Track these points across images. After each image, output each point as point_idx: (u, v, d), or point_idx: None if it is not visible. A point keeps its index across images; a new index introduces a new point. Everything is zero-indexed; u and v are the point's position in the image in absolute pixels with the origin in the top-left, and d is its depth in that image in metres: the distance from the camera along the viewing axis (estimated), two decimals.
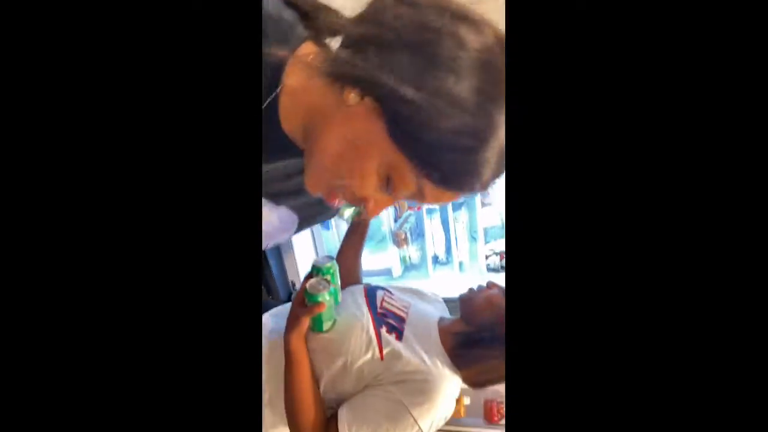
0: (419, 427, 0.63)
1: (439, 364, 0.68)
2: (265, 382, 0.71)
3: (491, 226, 1.86)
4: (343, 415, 0.65)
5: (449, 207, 1.75)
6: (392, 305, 0.77)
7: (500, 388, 1.28)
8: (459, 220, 1.80)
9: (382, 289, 0.82)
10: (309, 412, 0.67)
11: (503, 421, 1.23)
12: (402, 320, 0.74)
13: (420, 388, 0.64)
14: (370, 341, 0.66)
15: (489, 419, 1.24)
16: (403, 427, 0.63)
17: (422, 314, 0.79)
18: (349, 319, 0.71)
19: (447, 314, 0.84)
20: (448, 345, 0.72)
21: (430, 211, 1.71)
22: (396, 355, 0.65)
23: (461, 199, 1.81)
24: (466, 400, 1.28)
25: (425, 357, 0.67)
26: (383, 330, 0.69)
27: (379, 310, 0.74)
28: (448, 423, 1.22)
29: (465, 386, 1.23)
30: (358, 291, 0.80)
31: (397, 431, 0.63)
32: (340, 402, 0.69)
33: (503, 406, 1.26)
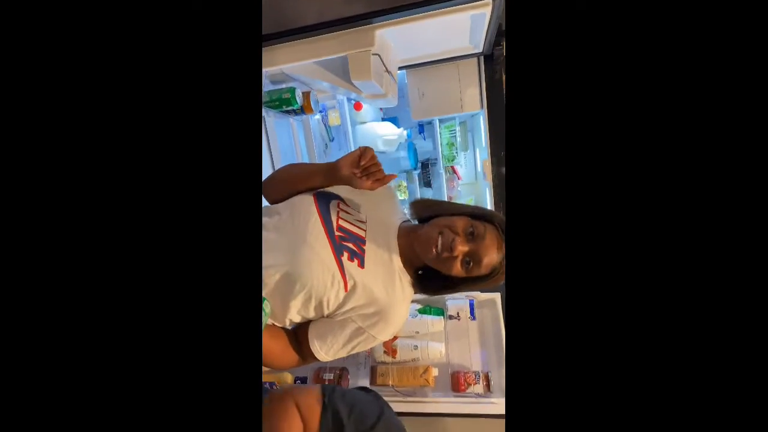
0: (379, 340, 0.74)
1: (398, 288, 0.74)
2: None
3: None
4: (312, 332, 0.74)
5: None
6: (348, 221, 0.76)
7: (465, 362, 1.39)
8: None
9: (335, 197, 0.80)
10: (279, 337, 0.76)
11: (469, 390, 1.34)
12: (362, 241, 0.75)
13: (378, 314, 0.72)
14: (333, 277, 0.69)
15: (456, 389, 1.35)
16: (365, 342, 0.73)
17: (381, 231, 0.78)
18: (308, 254, 0.69)
19: (403, 214, 0.86)
20: (409, 269, 0.77)
21: None
22: (359, 286, 0.71)
23: None
24: (435, 372, 1.38)
25: (384, 286, 0.73)
26: (345, 258, 0.71)
27: (336, 233, 0.73)
28: (419, 395, 1.32)
29: (435, 360, 1.31)
30: (308, 207, 0.76)
31: (360, 346, 0.74)
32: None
33: (470, 375, 1.36)
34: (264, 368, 1.44)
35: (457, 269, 0.70)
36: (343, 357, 1.34)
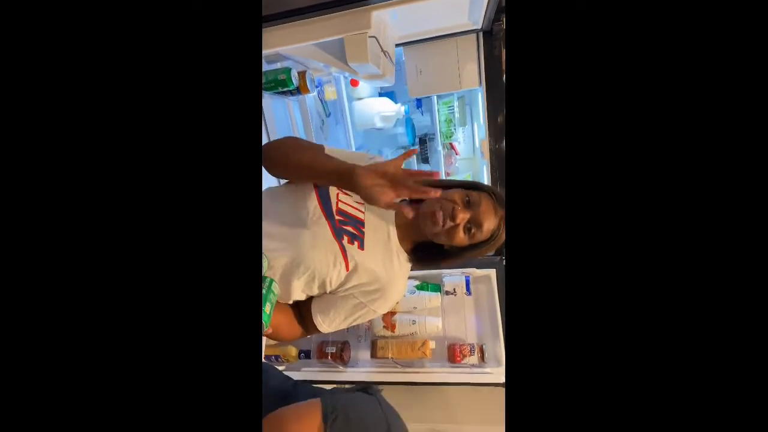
0: (378, 313, 0.78)
1: (396, 265, 0.78)
2: None
3: None
4: (315, 307, 0.79)
5: None
6: (348, 204, 0.78)
7: (461, 335, 1.46)
8: None
9: None
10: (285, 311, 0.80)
11: (465, 360, 1.42)
12: (361, 223, 0.78)
13: (378, 290, 0.76)
14: (335, 258, 0.73)
15: (453, 360, 1.43)
16: (365, 315, 0.78)
17: (379, 210, 0.79)
18: (310, 238, 0.73)
19: None
20: (406, 246, 0.81)
21: None
22: (360, 267, 0.75)
23: None
24: (432, 344, 1.45)
25: (383, 264, 0.77)
26: (345, 241, 0.74)
27: (336, 217, 0.75)
28: (417, 367, 1.39)
29: (432, 333, 1.37)
30: (310, 195, 0.76)
31: (360, 318, 0.78)
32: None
33: (466, 347, 1.43)
34: (271, 341, 1.51)
35: (460, 237, 0.73)
36: (344, 329, 1.43)
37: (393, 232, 0.79)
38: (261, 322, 0.65)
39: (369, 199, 0.64)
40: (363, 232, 0.77)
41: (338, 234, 0.74)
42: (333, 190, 0.79)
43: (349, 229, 0.76)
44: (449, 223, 0.72)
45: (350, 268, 0.74)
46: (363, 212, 0.79)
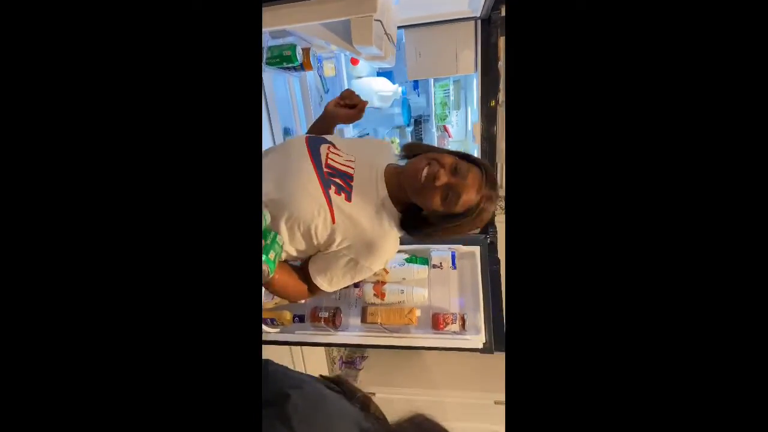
0: (372, 269, 0.81)
1: (385, 221, 0.79)
2: None
3: None
4: (312, 269, 0.82)
5: None
6: (337, 161, 0.80)
7: (445, 305, 1.58)
8: None
9: (326, 141, 0.84)
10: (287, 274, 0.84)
11: (447, 328, 1.53)
12: (349, 177, 0.79)
13: (367, 246, 0.78)
14: (320, 207, 0.74)
15: (436, 328, 1.55)
16: (360, 272, 0.81)
17: (368, 169, 0.82)
18: (296, 183, 0.75)
19: (393, 156, 0.89)
20: (397, 207, 0.81)
21: None
22: (346, 219, 0.76)
23: None
24: (418, 312, 1.56)
25: (370, 219, 0.78)
26: (332, 192, 0.76)
27: (325, 169, 0.78)
28: (403, 332, 1.51)
29: (418, 303, 1.48)
30: (299, 146, 0.81)
31: (356, 275, 0.82)
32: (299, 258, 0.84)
33: (449, 316, 1.55)
34: (268, 305, 1.60)
35: (437, 201, 0.74)
36: (336, 296, 1.52)
37: (383, 189, 0.81)
38: (260, 291, 0.68)
39: (338, 118, 0.99)
40: (351, 186, 0.79)
41: (325, 184, 0.76)
42: (323, 149, 0.81)
43: (337, 180, 0.78)
44: (429, 183, 0.73)
45: (336, 220, 0.75)
46: (353, 168, 0.81)
